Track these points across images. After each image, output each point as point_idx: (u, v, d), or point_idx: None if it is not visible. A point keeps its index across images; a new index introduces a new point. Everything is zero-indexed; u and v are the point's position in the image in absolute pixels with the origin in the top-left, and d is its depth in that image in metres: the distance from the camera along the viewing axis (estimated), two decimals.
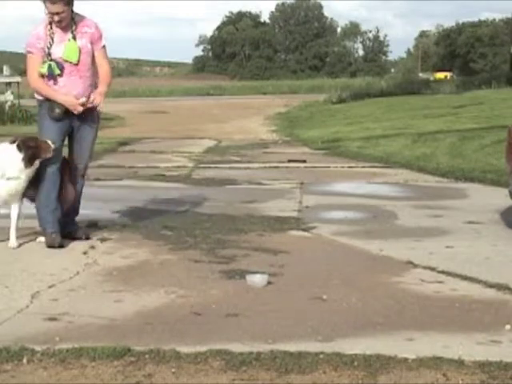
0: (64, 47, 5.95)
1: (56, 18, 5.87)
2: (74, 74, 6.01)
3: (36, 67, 5.99)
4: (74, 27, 5.99)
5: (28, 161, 5.87)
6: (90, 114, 6.15)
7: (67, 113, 6.04)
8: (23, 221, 6.18)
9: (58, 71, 5.95)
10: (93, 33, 6.07)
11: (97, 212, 7.40)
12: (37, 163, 5.93)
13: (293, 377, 3.42)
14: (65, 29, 5.96)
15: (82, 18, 6.08)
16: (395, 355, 3.63)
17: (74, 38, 5.98)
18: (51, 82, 6.00)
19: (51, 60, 5.93)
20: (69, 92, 6.00)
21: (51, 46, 5.94)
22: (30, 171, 5.93)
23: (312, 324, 4.13)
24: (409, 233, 6.75)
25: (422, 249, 6.08)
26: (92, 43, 6.06)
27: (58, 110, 6.01)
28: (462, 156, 12.31)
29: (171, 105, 35.20)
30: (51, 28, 5.95)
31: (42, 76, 5.97)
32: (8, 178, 5.86)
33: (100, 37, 6.13)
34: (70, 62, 5.96)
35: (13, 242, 5.94)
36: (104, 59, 6.20)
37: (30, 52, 6.01)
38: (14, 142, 5.96)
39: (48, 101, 6.04)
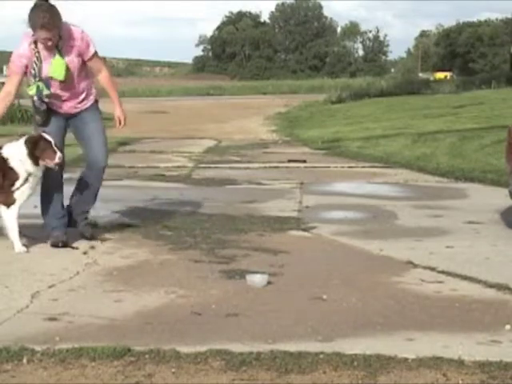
0: (50, 64, 5.75)
1: (49, 43, 5.67)
2: (61, 88, 5.86)
3: (10, 83, 5.87)
4: (59, 43, 5.75)
5: (32, 159, 5.72)
6: (87, 110, 6.03)
7: (58, 116, 5.95)
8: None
9: (46, 91, 5.80)
10: (79, 45, 5.83)
11: (97, 212, 7.38)
12: (41, 165, 5.78)
13: (293, 377, 3.42)
14: (50, 46, 5.74)
15: (67, 30, 5.79)
16: (395, 355, 3.62)
17: (60, 53, 5.75)
18: (51, 90, 5.86)
19: (39, 80, 5.77)
20: (58, 99, 5.89)
21: (38, 66, 5.74)
22: (40, 170, 5.80)
23: (312, 324, 4.13)
24: (409, 233, 6.75)
25: (422, 249, 6.08)
26: (80, 55, 5.85)
27: (37, 117, 5.93)
28: (462, 156, 12.32)
29: (171, 105, 35.24)
30: (36, 47, 5.74)
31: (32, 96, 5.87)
32: (30, 175, 5.77)
33: (87, 46, 5.88)
34: (56, 79, 5.78)
35: (18, 246, 5.82)
36: (100, 64, 6.07)
37: (11, 69, 5.88)
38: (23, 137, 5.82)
39: (33, 106, 5.96)
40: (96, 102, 6.14)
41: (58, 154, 5.75)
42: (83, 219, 6.31)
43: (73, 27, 5.84)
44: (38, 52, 5.76)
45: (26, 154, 5.71)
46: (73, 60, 5.84)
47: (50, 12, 5.60)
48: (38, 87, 5.79)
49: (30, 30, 5.75)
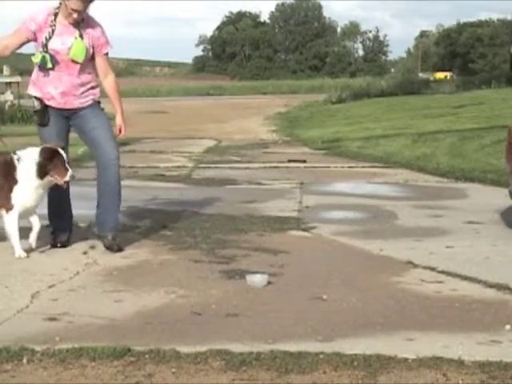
0: (70, 45, 5.74)
1: (75, 15, 5.69)
2: (63, 70, 5.82)
3: (12, 40, 5.85)
4: (80, 25, 5.78)
5: (40, 171, 5.61)
6: (88, 108, 5.94)
7: (59, 116, 5.90)
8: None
9: (50, 65, 5.76)
10: (98, 37, 5.86)
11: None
12: (47, 180, 5.66)
13: (293, 377, 3.42)
14: (73, 20, 5.75)
15: (90, 18, 5.87)
16: (395, 355, 3.62)
17: (81, 36, 5.78)
18: (41, 74, 5.84)
19: (46, 52, 5.75)
20: (56, 87, 5.84)
21: (50, 38, 5.74)
22: (44, 184, 5.68)
23: (312, 324, 4.13)
24: (409, 233, 6.75)
25: (422, 249, 6.08)
26: (94, 47, 5.86)
27: (35, 117, 5.94)
28: (462, 156, 12.31)
29: (171, 105, 35.24)
30: (54, 20, 5.76)
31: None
32: (31, 186, 5.64)
33: (105, 43, 5.91)
34: (75, 62, 5.78)
35: (18, 250, 5.71)
36: (109, 68, 6.03)
37: (18, 28, 5.82)
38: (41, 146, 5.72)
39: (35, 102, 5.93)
40: (98, 102, 6.04)
41: (70, 172, 5.65)
42: (110, 232, 5.97)
43: (96, 19, 5.92)
44: (55, 25, 5.78)
45: (35, 164, 5.61)
46: (87, 47, 5.84)
47: None
48: (43, 57, 5.77)
49: (53, 4, 5.80)
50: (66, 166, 5.65)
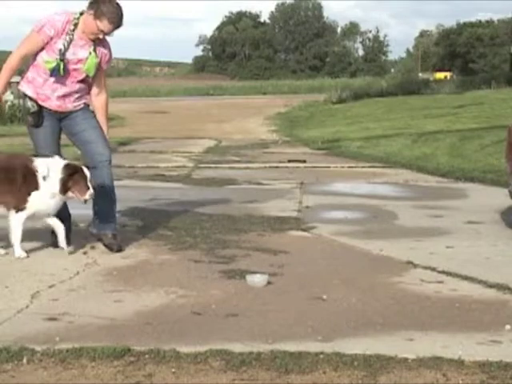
0: (82, 57, 5.80)
1: (100, 35, 5.77)
2: (67, 77, 5.86)
3: (28, 46, 5.84)
4: (96, 41, 5.85)
5: (62, 186, 5.62)
6: (78, 110, 5.98)
7: (51, 117, 5.90)
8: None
9: (62, 73, 5.79)
10: (106, 54, 5.96)
11: None
12: (68, 195, 5.69)
13: (293, 377, 3.42)
14: (95, 39, 5.83)
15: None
16: (395, 355, 3.62)
17: (95, 51, 5.85)
18: (44, 76, 5.85)
19: (62, 60, 5.77)
20: (54, 90, 5.87)
21: (68, 47, 5.77)
22: (60, 199, 5.70)
23: (312, 324, 4.13)
24: (409, 233, 6.75)
25: (422, 249, 6.08)
26: (100, 62, 5.92)
27: (30, 118, 5.90)
28: (462, 156, 12.32)
29: (171, 105, 35.28)
30: (73, 30, 5.79)
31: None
32: (50, 196, 5.66)
33: (109, 60, 6.02)
34: (87, 76, 5.87)
35: (18, 251, 5.70)
36: (103, 83, 6.09)
37: (35, 30, 5.79)
38: (64, 159, 5.75)
39: (24, 107, 5.94)
40: (88, 105, 6.11)
41: (91, 191, 5.67)
42: (109, 230, 6.00)
43: (105, 37, 5.96)
44: (73, 35, 5.80)
45: (58, 179, 5.62)
46: (98, 62, 5.92)
47: (122, 15, 5.80)
48: (58, 64, 5.77)
49: (72, 11, 5.83)
50: (88, 184, 5.68)
